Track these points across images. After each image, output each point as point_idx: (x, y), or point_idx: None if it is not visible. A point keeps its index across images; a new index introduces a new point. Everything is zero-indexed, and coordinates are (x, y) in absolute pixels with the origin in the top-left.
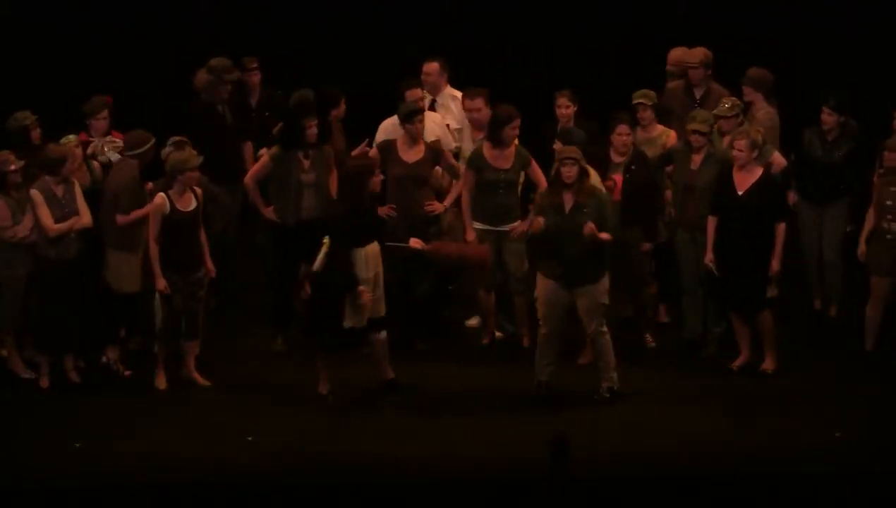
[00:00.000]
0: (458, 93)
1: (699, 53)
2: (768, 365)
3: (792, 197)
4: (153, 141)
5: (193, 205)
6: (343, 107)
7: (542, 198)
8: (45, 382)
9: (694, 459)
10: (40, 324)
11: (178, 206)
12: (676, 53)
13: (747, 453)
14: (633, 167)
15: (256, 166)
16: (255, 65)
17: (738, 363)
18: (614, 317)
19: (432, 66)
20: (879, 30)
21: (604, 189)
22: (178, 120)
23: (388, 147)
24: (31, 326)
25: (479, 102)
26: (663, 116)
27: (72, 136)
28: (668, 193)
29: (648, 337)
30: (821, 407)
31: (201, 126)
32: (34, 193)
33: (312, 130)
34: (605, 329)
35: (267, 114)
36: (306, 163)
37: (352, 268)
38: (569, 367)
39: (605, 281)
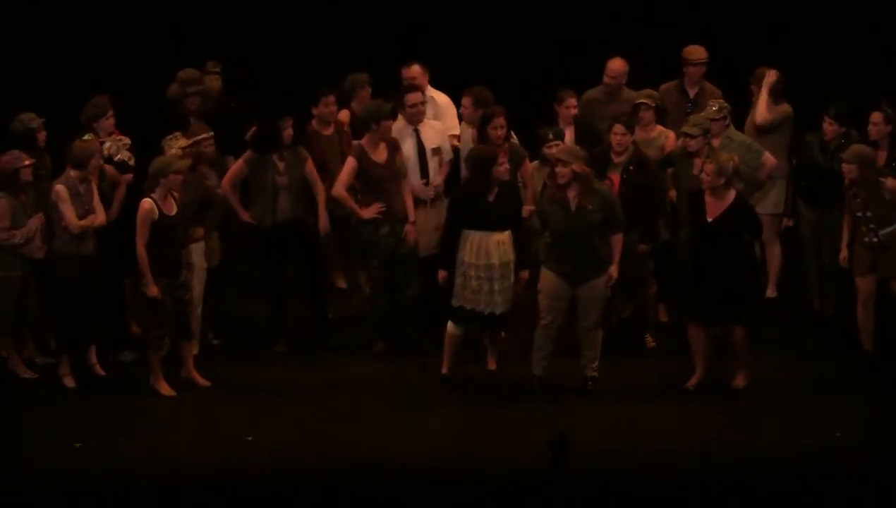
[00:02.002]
0: (438, 94)
1: (702, 51)
2: (739, 381)
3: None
4: (209, 134)
5: (175, 208)
6: (325, 107)
7: (545, 195)
8: (70, 381)
9: (694, 459)
10: (59, 322)
11: (165, 211)
12: (615, 65)
13: (747, 453)
14: (631, 168)
15: (232, 170)
16: (217, 69)
17: (693, 381)
18: (614, 317)
19: (414, 70)
20: (885, 32)
21: None
22: (152, 129)
23: (361, 151)
24: (31, 326)
25: (466, 101)
26: (661, 117)
27: (90, 135)
28: (672, 193)
29: (648, 337)
30: (821, 407)
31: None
32: (60, 189)
33: (289, 132)
34: (599, 320)
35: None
36: (281, 166)
37: (451, 249)
38: (567, 363)
39: (609, 273)
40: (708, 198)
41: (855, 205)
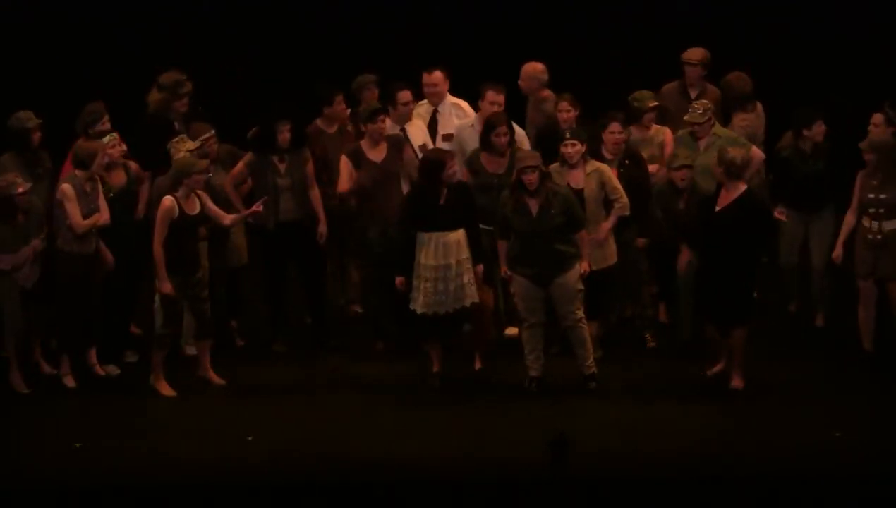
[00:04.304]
0: (461, 101)
1: (698, 53)
2: (737, 382)
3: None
4: (212, 132)
5: (198, 208)
6: (337, 106)
7: (506, 203)
8: (70, 381)
9: (694, 459)
10: (61, 321)
11: (186, 210)
12: (528, 69)
13: (747, 453)
14: (626, 162)
15: (234, 171)
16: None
17: (716, 369)
18: (614, 317)
19: (437, 76)
20: (885, 32)
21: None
22: (134, 139)
23: (356, 151)
24: (40, 329)
25: (503, 98)
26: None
27: (109, 136)
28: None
29: (648, 337)
30: (821, 407)
31: (158, 144)
32: (66, 188)
33: (285, 135)
34: (581, 316)
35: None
36: (282, 167)
37: (407, 254)
38: (566, 363)
39: (578, 268)
40: (722, 191)
41: (868, 188)
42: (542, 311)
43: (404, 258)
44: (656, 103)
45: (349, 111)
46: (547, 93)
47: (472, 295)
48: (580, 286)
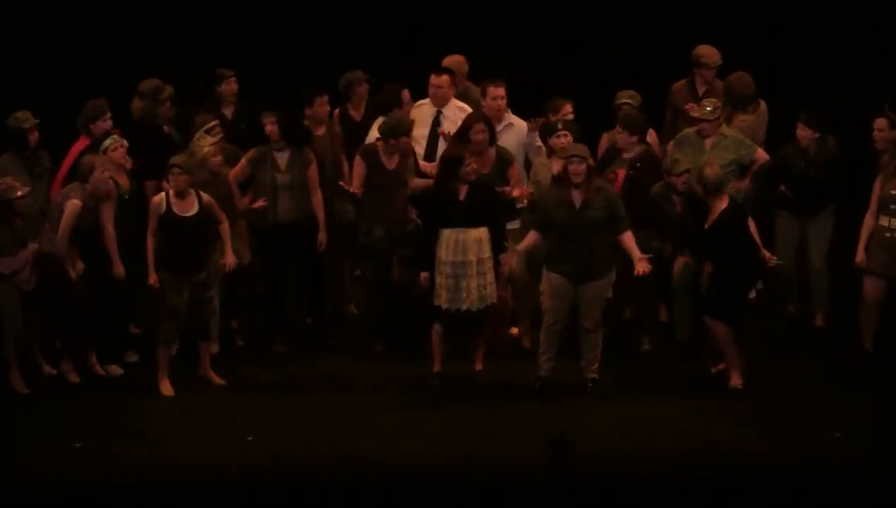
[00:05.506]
0: (466, 106)
1: (715, 56)
2: (735, 380)
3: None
4: (217, 122)
5: (195, 209)
6: (318, 107)
7: (548, 196)
8: (74, 377)
9: (694, 459)
10: (65, 322)
11: (175, 209)
12: (453, 63)
13: (747, 453)
14: (638, 164)
15: (236, 168)
16: (231, 73)
17: (719, 367)
18: (614, 318)
19: (444, 79)
20: (885, 32)
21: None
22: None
23: (371, 152)
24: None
25: (503, 90)
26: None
27: (111, 138)
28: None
29: (645, 341)
30: (821, 407)
31: (151, 151)
32: (76, 204)
33: (271, 127)
34: (601, 321)
35: (243, 126)
36: (282, 164)
37: (429, 250)
38: (566, 364)
39: (612, 275)
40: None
41: (891, 185)
42: (566, 314)
43: (426, 254)
44: (626, 101)
45: (338, 110)
46: (468, 83)
47: (493, 295)
48: (609, 294)
